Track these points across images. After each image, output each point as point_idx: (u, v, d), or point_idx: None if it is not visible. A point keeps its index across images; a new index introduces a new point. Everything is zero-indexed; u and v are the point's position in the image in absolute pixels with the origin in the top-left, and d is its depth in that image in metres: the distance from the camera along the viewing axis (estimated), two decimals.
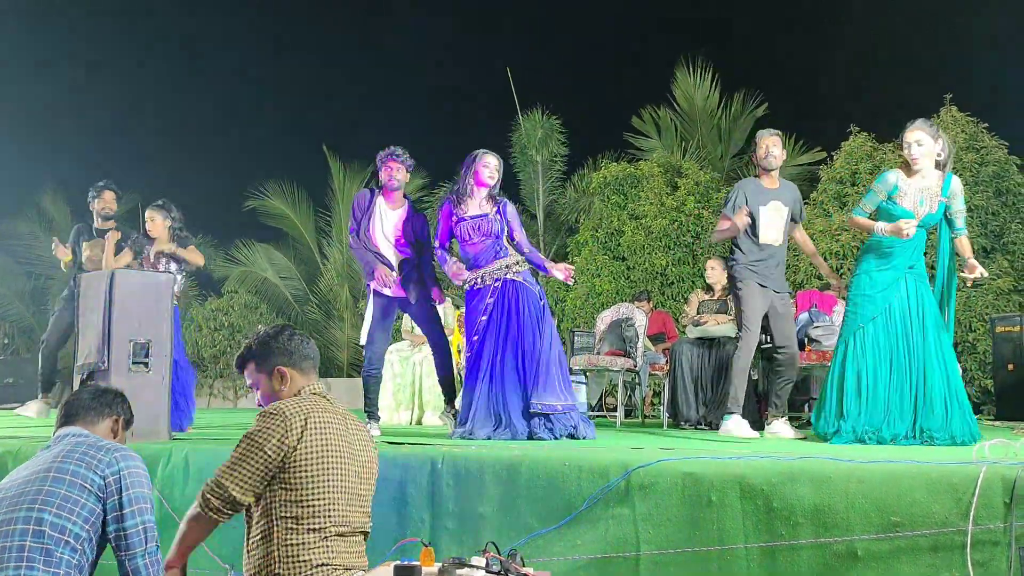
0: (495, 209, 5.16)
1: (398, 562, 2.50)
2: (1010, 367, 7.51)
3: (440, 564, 2.56)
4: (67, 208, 16.52)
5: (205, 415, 9.46)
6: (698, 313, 7.12)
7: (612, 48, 19.75)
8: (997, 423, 6.97)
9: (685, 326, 7.35)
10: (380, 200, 5.38)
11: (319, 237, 16.78)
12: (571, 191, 14.37)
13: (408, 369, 7.82)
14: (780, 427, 5.13)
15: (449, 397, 5.50)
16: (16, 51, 16.64)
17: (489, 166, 5.15)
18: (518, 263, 5.11)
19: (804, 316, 7.02)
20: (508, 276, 5.04)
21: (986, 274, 4.54)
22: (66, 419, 2.69)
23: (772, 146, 5.14)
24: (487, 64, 15.62)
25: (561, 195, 14.56)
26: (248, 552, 2.61)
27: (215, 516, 2.54)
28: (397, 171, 5.36)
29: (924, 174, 4.61)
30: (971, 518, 2.76)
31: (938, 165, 4.63)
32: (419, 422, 7.62)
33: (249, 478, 2.53)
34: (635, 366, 6.93)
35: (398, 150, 5.38)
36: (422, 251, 5.44)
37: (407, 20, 20.04)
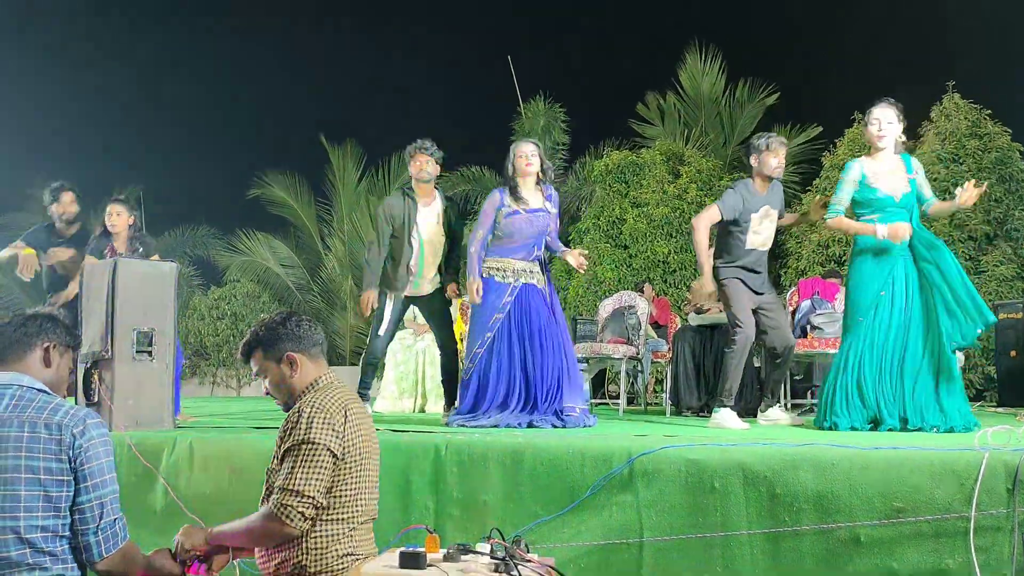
0: (548, 202, 5.09)
1: (403, 548, 2.51)
2: (1012, 354, 7.51)
3: (445, 550, 2.57)
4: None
5: (208, 403, 9.50)
6: (701, 301, 7.12)
7: (613, 36, 19.70)
8: (1000, 410, 6.97)
9: (687, 314, 7.36)
10: (413, 200, 5.36)
11: (320, 226, 16.79)
12: (573, 179, 14.36)
13: (411, 357, 7.83)
14: (776, 413, 5.12)
15: (451, 399, 5.45)
16: (18, 42, 16.61)
17: (523, 154, 5.04)
18: (541, 269, 5.08)
19: (806, 304, 7.01)
20: (529, 281, 4.98)
21: (972, 193, 4.37)
22: None
23: (783, 157, 5.01)
24: (488, 52, 15.57)
25: (563, 183, 14.53)
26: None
27: (304, 527, 2.45)
28: (426, 163, 5.32)
29: (886, 155, 4.59)
30: (974, 504, 2.76)
31: (896, 148, 4.63)
32: (422, 410, 7.63)
33: (325, 480, 2.47)
34: (637, 354, 6.94)
35: (426, 143, 5.33)
36: (452, 244, 5.47)
37: (407, 9, 19.99)
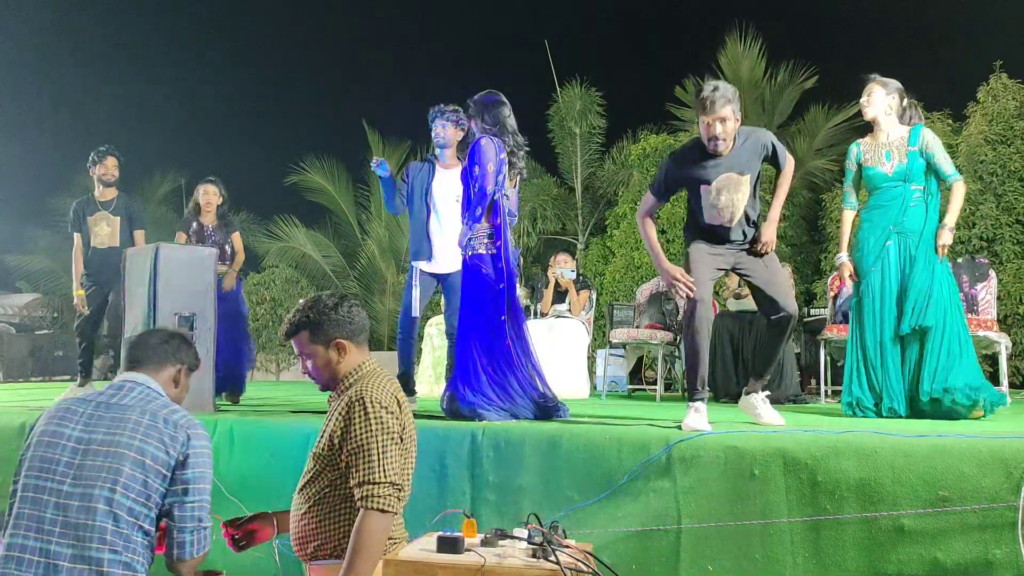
0: (464, 164, 4.52)
1: (441, 533, 2.52)
2: None
3: (483, 535, 2.57)
4: None
5: (248, 387, 9.56)
6: (739, 286, 7.04)
7: (652, 19, 19.50)
8: None
9: (726, 299, 7.28)
10: (432, 165, 5.30)
11: (358, 211, 16.86)
12: (610, 164, 14.25)
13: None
14: (754, 402, 4.17)
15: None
16: (66, 30, 16.85)
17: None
18: (478, 239, 4.34)
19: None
20: (466, 254, 4.40)
21: (948, 242, 4.38)
22: (131, 363, 2.68)
23: (718, 123, 3.81)
24: (525, 35, 15.50)
25: (600, 168, 14.46)
26: (307, 529, 2.59)
27: (400, 509, 2.53)
28: (442, 129, 5.30)
29: (883, 129, 4.65)
30: (1022, 494, 2.70)
31: (901, 120, 4.66)
32: None
33: (401, 467, 2.52)
34: (675, 339, 6.88)
35: (445, 108, 5.32)
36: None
37: None
